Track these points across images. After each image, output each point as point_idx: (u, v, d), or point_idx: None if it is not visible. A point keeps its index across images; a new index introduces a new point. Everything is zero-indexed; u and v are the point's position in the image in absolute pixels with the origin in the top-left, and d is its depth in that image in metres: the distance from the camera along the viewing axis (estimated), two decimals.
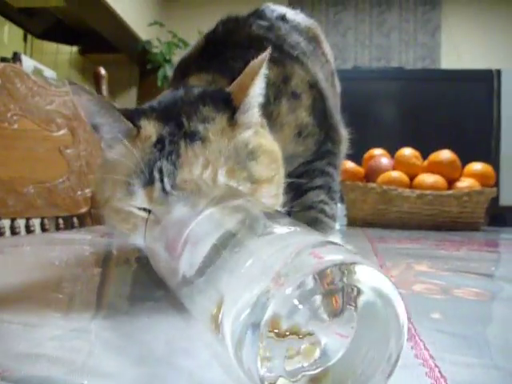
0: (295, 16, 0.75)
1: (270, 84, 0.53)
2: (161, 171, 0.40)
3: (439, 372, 0.23)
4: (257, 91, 0.45)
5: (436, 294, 0.45)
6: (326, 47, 0.78)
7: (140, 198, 0.40)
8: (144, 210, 0.41)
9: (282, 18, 0.71)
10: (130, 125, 0.43)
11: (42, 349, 0.27)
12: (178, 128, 0.43)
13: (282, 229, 0.26)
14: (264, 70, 0.44)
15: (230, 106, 0.44)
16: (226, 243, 0.26)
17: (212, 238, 0.28)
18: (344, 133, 0.71)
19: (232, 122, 0.44)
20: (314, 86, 0.63)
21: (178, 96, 0.48)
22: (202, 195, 0.38)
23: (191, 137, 0.42)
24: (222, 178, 0.40)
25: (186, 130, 0.42)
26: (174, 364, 0.24)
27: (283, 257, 0.21)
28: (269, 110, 0.55)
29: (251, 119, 0.45)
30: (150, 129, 0.43)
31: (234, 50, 0.61)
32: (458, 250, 0.83)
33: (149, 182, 0.40)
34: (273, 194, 0.44)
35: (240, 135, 0.44)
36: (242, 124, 0.44)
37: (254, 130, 0.45)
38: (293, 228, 0.26)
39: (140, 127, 0.43)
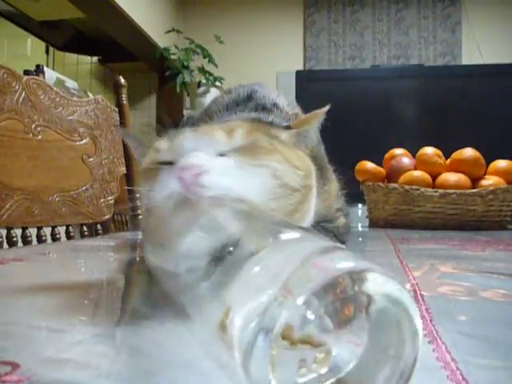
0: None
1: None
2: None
3: (461, 375, 0.22)
4: (312, 131, 0.52)
5: (461, 296, 0.44)
6: None
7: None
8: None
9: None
10: None
11: (68, 354, 0.27)
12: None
13: (289, 235, 0.26)
14: (320, 121, 0.51)
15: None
16: (231, 248, 0.25)
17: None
18: None
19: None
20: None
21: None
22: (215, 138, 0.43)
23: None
24: (240, 130, 0.45)
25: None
26: (199, 369, 0.24)
27: (290, 264, 0.20)
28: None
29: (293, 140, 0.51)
30: None
31: None
32: (483, 250, 0.81)
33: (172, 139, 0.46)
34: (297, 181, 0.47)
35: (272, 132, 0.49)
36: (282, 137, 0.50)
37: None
38: (301, 234, 0.25)
39: None
